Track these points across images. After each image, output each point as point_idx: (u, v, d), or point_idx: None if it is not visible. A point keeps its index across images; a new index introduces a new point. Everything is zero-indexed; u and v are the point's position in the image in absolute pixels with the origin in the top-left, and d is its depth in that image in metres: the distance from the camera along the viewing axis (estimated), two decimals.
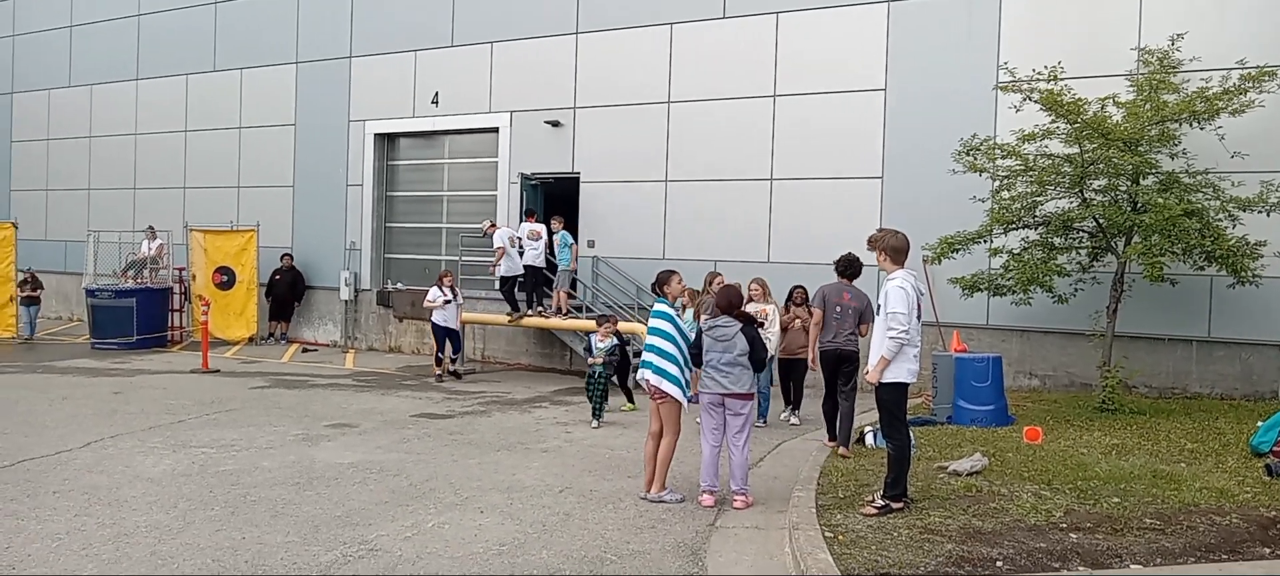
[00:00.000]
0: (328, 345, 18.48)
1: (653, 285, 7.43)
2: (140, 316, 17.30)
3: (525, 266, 14.80)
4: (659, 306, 7.04)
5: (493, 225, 14.95)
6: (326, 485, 7.42)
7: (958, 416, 9.83)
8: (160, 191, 20.94)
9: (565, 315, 14.09)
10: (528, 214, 15.26)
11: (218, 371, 14.38)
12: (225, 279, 18.21)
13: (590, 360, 10.70)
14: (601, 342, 10.74)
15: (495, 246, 14.44)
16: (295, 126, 19.10)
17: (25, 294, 18.32)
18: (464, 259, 16.36)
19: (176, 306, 18.66)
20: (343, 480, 7.60)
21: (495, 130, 16.88)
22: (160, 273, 18.77)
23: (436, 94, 17.32)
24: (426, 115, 17.53)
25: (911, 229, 7.48)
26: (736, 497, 6.85)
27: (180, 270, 19.03)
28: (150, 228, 19.04)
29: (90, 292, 17.92)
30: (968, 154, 11.06)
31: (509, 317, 14.55)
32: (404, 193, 18.50)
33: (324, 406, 11.38)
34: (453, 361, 14.39)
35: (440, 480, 7.65)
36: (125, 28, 21.56)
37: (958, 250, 10.85)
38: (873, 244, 6.55)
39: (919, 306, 6.38)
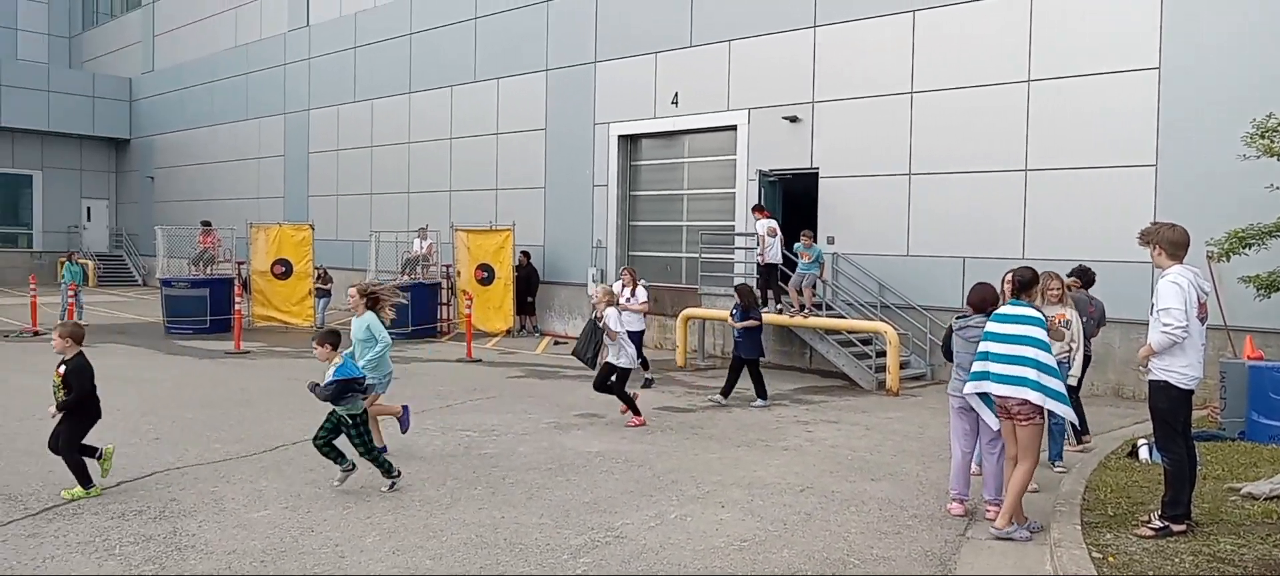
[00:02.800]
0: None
1: (1016, 283, 6.38)
2: (413, 309, 19.03)
3: (763, 264, 14.79)
4: (1022, 311, 6.12)
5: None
6: (576, 472, 7.82)
7: (1252, 432, 8.74)
8: (429, 194, 22.92)
9: (807, 313, 13.93)
10: (757, 210, 15.17)
11: (480, 361, 15.53)
12: (485, 275, 19.62)
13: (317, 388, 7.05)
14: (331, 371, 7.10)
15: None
16: (546, 131, 20.22)
17: (318, 287, 20.68)
18: (704, 256, 16.62)
19: (444, 300, 20.36)
20: (590, 468, 7.98)
21: (733, 128, 17.01)
22: (430, 269, 20.54)
23: (676, 94, 17.71)
24: (667, 115, 17.97)
25: (1192, 221, 6.74)
26: (990, 508, 6.49)
27: (447, 267, 20.74)
28: (422, 228, 20.88)
29: None
30: (1262, 136, 9.79)
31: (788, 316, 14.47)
32: (646, 191, 19.08)
33: (573, 396, 11.98)
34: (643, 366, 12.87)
35: (682, 473, 7.84)
36: (399, 46, 23.77)
37: (1250, 244, 9.66)
38: (1146, 238, 5.97)
39: (1201, 305, 5.75)
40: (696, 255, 16.95)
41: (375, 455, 7.23)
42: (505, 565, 5.56)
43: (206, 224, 22.34)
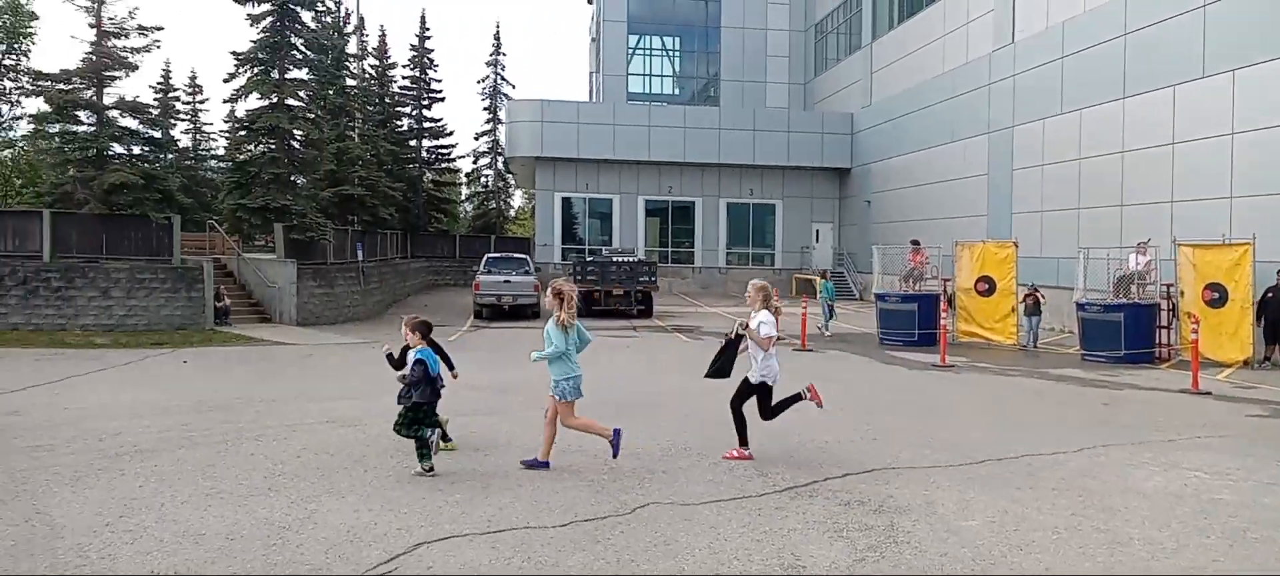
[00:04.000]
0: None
1: None
2: (1128, 331, 17.59)
3: None
4: None
5: None
6: None
7: None
8: (1145, 206, 20.93)
9: None
10: None
11: (1208, 393, 13.67)
12: (1216, 296, 17.17)
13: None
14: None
15: None
16: None
17: (1027, 303, 20.37)
18: None
19: (1164, 323, 18.37)
20: None
21: None
22: (1147, 288, 18.75)
23: None
24: None
25: None
26: None
27: (1167, 286, 18.68)
28: (1141, 243, 19.14)
29: (1080, 306, 18.96)
30: None
31: None
32: None
33: None
34: None
35: None
36: (1111, 49, 22.19)
37: None
38: None
39: None
40: None
41: (410, 433, 7.71)
42: None
43: (915, 243, 23.78)
